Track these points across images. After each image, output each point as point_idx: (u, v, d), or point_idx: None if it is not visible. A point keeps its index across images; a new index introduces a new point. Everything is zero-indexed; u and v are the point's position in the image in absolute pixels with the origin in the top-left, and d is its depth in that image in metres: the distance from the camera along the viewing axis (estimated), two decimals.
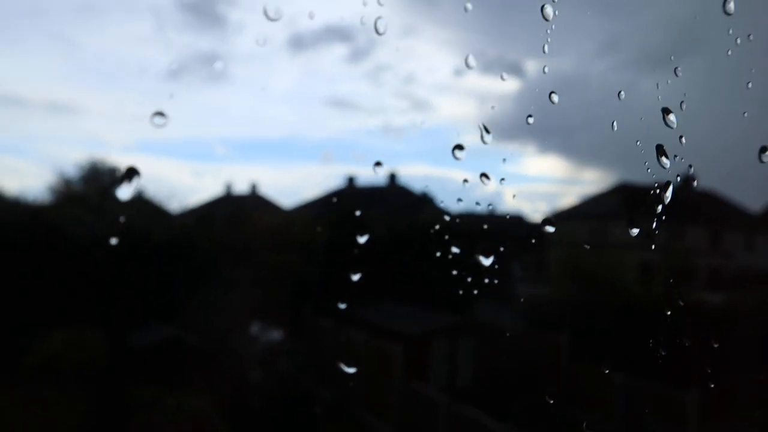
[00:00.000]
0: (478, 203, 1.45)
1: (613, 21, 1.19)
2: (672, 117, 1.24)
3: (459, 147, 1.26)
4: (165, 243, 8.01)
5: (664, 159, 1.17)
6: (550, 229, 1.33)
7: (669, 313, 1.36)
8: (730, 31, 1.24)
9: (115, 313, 7.33)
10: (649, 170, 1.32)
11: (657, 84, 1.33)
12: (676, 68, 1.23)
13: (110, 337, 7.01)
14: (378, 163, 1.45)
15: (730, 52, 1.29)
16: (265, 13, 0.92)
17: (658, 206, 1.40)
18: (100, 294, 7.39)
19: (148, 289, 7.63)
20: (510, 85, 1.36)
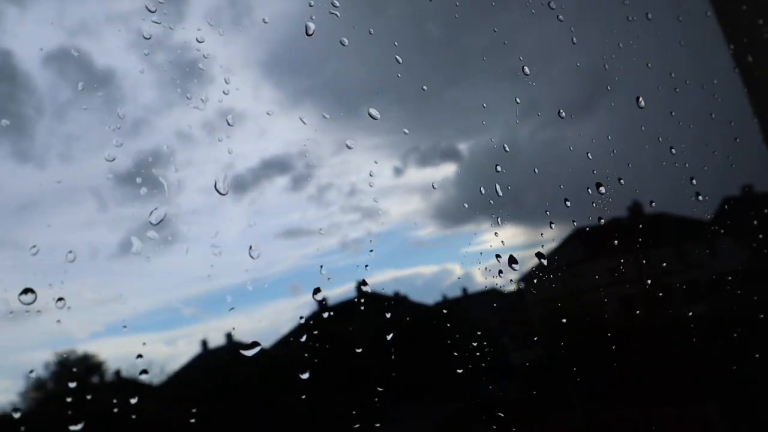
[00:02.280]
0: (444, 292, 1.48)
1: (527, 85, 1.29)
2: (598, 157, 1.32)
3: (317, 290, 1.27)
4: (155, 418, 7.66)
5: (602, 188, 1.23)
6: (544, 261, 1.35)
7: (664, 334, 1.38)
8: (649, 66, 1.35)
9: None
10: (596, 207, 1.38)
11: (580, 133, 1.42)
12: (594, 114, 1.32)
13: None
14: (363, 283, 1.46)
15: (641, 100, 1.40)
16: (216, 186, 0.97)
17: (616, 241, 1.45)
18: None
19: None
20: (449, 169, 1.42)
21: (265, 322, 1.31)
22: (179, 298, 1.50)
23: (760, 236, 1.83)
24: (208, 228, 1.04)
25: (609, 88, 1.37)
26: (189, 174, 1.00)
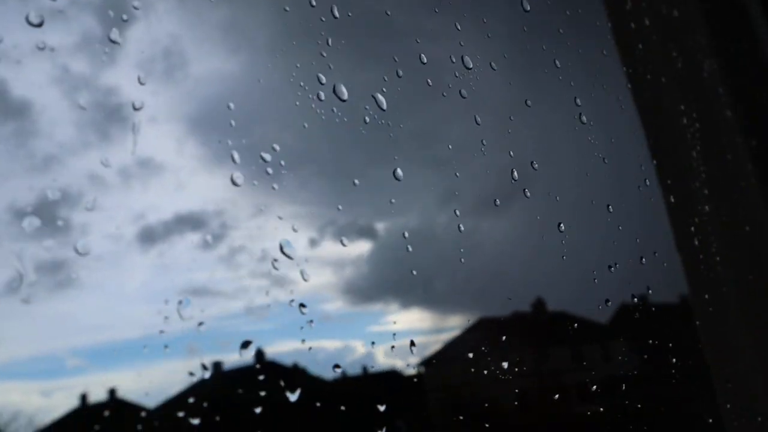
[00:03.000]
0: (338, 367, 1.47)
1: (447, 175, 1.34)
2: (508, 251, 1.37)
3: (302, 305, 1.27)
4: None
5: (506, 280, 1.27)
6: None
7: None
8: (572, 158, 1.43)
9: None
10: (501, 299, 1.42)
11: (495, 226, 1.47)
12: (496, 200, 1.38)
13: None
14: (246, 344, 1.42)
15: (554, 195, 1.48)
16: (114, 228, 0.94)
17: (518, 334, 1.48)
18: None
19: None
20: (364, 247, 1.44)
21: (155, 381, 1.25)
22: (65, 347, 1.41)
23: (653, 343, 1.92)
24: (109, 277, 1.00)
25: (527, 191, 1.43)
26: (96, 218, 0.96)
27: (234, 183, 1.06)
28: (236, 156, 1.04)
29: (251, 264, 1.24)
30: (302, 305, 1.15)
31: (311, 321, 1.18)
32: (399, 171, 1.27)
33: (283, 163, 1.13)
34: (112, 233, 0.96)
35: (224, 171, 1.18)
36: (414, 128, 1.46)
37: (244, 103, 1.09)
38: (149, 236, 1.02)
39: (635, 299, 1.79)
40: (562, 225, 1.43)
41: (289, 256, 1.12)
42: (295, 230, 1.14)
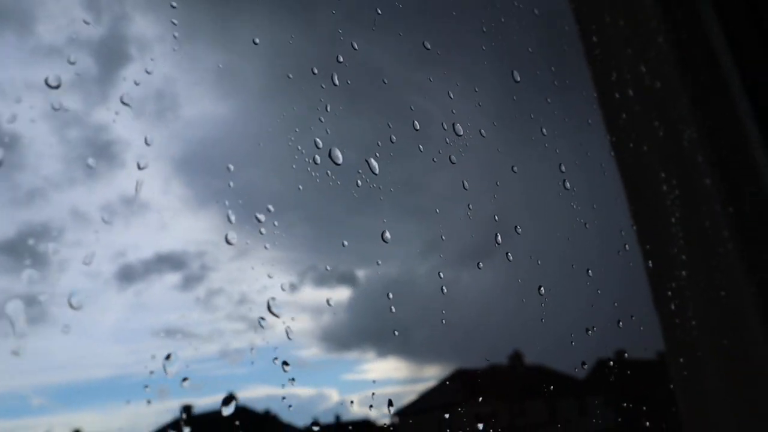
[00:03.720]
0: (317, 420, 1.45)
1: (432, 225, 1.36)
2: (488, 302, 1.37)
3: (285, 363, 1.25)
4: None
5: (484, 332, 1.27)
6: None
7: None
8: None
9: None
10: (479, 350, 1.42)
11: (476, 278, 1.48)
12: (479, 263, 1.39)
13: None
14: (228, 399, 1.38)
15: (538, 256, 1.49)
16: (84, 261, 0.93)
17: (495, 386, 1.47)
18: None
19: None
20: (344, 294, 1.43)
21: (120, 423, 1.22)
22: (31, 384, 1.38)
23: (628, 401, 1.92)
24: (82, 314, 0.98)
25: (509, 254, 1.45)
26: (75, 254, 0.95)
27: (213, 227, 1.06)
28: (220, 199, 1.04)
29: (229, 307, 1.23)
30: (285, 363, 1.14)
31: (293, 379, 1.17)
32: (379, 218, 1.28)
33: (264, 207, 1.13)
34: (89, 270, 0.95)
35: (208, 213, 1.18)
36: (397, 176, 1.47)
37: (230, 148, 1.10)
38: (127, 275, 1.01)
39: (610, 359, 1.80)
40: (542, 288, 1.45)
41: (276, 315, 1.11)
42: (270, 277, 1.14)
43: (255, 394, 1.46)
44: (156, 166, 0.98)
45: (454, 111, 1.42)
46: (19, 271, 0.92)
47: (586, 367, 1.61)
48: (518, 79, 1.52)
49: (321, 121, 1.17)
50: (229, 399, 1.24)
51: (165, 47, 1.01)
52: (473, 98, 1.47)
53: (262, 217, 1.08)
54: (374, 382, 1.35)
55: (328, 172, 1.17)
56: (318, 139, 1.17)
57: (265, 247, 1.07)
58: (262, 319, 1.10)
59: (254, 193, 1.10)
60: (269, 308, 1.11)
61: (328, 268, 1.31)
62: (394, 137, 1.28)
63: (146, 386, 1.05)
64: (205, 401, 1.20)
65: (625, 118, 1.36)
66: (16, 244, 0.93)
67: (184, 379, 1.09)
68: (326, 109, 1.18)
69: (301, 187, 1.14)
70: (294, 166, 1.16)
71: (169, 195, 1.08)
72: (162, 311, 1.17)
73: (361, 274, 1.47)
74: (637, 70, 1.41)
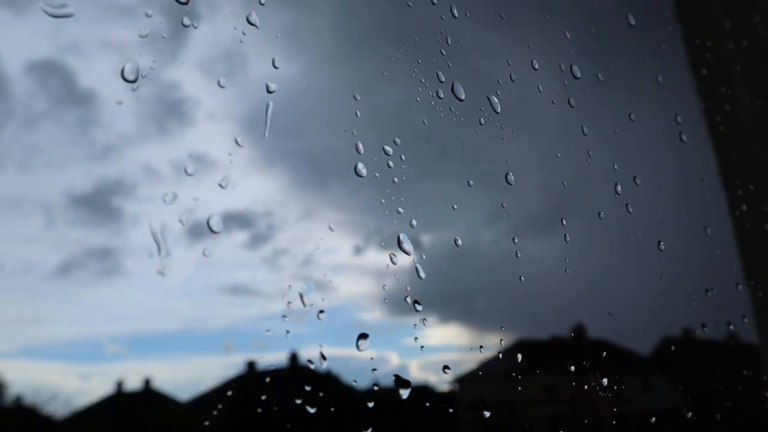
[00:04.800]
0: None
1: (498, 194, 1.32)
2: (552, 274, 1.34)
3: (363, 336, 1.26)
4: None
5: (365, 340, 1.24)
6: None
7: None
8: (619, 189, 1.40)
9: None
10: (541, 321, 1.40)
11: (541, 248, 1.44)
12: (565, 234, 1.36)
13: None
14: (363, 335, 1.39)
15: (602, 214, 1.45)
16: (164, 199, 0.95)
17: (557, 359, 1.45)
18: None
19: None
20: (408, 259, 1.42)
21: (188, 375, 1.25)
22: (106, 332, 1.44)
23: (696, 380, 1.86)
24: (154, 268, 1.01)
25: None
26: (147, 210, 0.97)
27: (280, 187, 1.06)
28: (287, 160, 1.05)
29: (294, 267, 1.24)
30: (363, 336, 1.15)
31: (365, 335, 1.17)
32: (446, 185, 1.26)
33: (331, 170, 1.13)
34: (161, 225, 0.98)
35: (275, 173, 1.18)
36: (465, 143, 1.44)
37: (298, 108, 1.10)
38: (197, 232, 1.03)
39: (678, 333, 1.74)
40: (662, 244, 1.39)
41: (331, 262, 1.12)
42: (331, 229, 1.14)
43: (317, 354, 1.48)
44: (223, 125, 0.99)
45: (571, 51, 1.37)
46: (95, 223, 0.95)
47: (650, 335, 1.55)
48: (633, 23, 1.45)
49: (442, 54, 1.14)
50: (363, 335, 1.24)
51: (235, 5, 1.01)
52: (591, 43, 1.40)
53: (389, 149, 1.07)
54: (433, 348, 1.35)
55: (451, 107, 1.16)
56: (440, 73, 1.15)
57: (394, 181, 1.07)
58: (326, 280, 1.11)
59: (320, 154, 1.10)
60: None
61: (393, 232, 1.30)
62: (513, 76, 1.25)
63: (284, 316, 1.07)
64: (268, 358, 1.22)
65: (739, 69, 1.28)
66: (93, 198, 0.96)
67: (321, 312, 1.10)
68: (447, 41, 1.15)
69: (387, 148, 1.13)
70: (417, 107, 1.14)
71: (237, 154, 1.09)
72: (229, 269, 1.19)
73: (425, 240, 1.46)
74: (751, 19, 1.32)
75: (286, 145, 1.04)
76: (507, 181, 1.35)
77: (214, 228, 0.94)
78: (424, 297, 1.37)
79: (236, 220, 1.20)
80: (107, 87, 0.90)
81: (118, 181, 0.96)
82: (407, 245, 1.27)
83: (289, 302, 1.18)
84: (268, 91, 1.01)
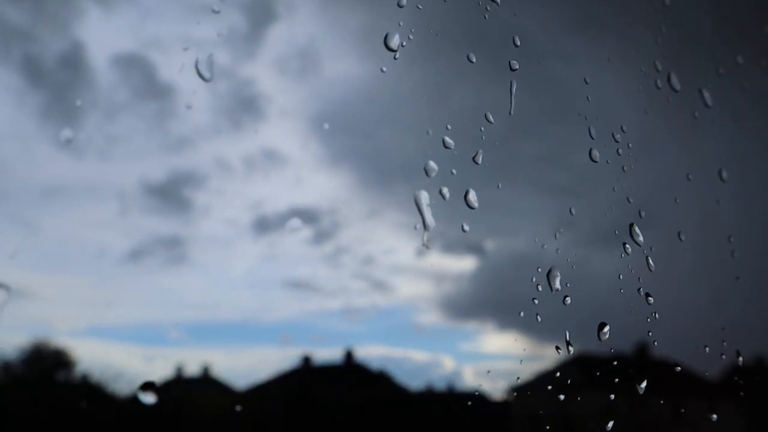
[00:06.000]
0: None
1: (566, 203, 1.30)
2: (618, 288, 1.30)
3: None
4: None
5: (607, 327, 1.21)
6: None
7: None
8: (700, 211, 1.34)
9: None
10: (604, 338, 1.35)
11: (617, 255, 1.40)
12: (624, 243, 1.31)
13: None
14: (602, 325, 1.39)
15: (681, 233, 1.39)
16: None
17: (617, 377, 1.41)
18: None
19: None
20: (469, 263, 1.41)
21: (245, 364, 1.27)
22: (170, 318, 1.48)
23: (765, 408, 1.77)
24: (218, 259, 1.03)
25: (645, 219, 1.36)
26: (217, 202, 0.99)
27: (347, 185, 1.06)
28: (353, 159, 1.04)
29: (355, 265, 1.24)
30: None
31: (405, 329, 1.17)
32: (513, 192, 1.24)
33: (396, 172, 1.12)
34: (229, 218, 0.99)
35: (341, 171, 1.18)
36: (535, 150, 1.41)
37: (367, 109, 1.09)
38: (263, 225, 1.05)
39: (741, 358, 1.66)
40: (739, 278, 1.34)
41: (391, 263, 1.11)
42: (398, 239, 1.13)
43: (373, 353, 1.48)
44: (295, 123, 0.99)
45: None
46: (166, 213, 0.97)
47: (724, 357, 1.49)
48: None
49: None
50: (602, 324, 1.25)
51: (312, 5, 1.01)
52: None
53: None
54: (491, 355, 1.33)
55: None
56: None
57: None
58: (386, 280, 1.10)
59: (387, 156, 1.09)
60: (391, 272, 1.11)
61: (457, 236, 1.29)
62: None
63: (534, 299, 1.07)
64: (324, 353, 1.23)
65: None
66: (166, 188, 0.98)
67: (566, 297, 1.11)
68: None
69: (452, 143, 1.11)
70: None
71: (306, 151, 1.10)
72: (292, 264, 1.20)
73: (489, 245, 1.44)
74: None
75: (354, 143, 1.04)
76: (573, 192, 1.32)
77: (293, 226, 0.95)
78: (484, 303, 1.35)
79: (301, 215, 1.21)
80: (184, 82, 0.92)
81: (190, 172, 0.98)
82: (470, 250, 1.24)
83: (347, 300, 1.18)
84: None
